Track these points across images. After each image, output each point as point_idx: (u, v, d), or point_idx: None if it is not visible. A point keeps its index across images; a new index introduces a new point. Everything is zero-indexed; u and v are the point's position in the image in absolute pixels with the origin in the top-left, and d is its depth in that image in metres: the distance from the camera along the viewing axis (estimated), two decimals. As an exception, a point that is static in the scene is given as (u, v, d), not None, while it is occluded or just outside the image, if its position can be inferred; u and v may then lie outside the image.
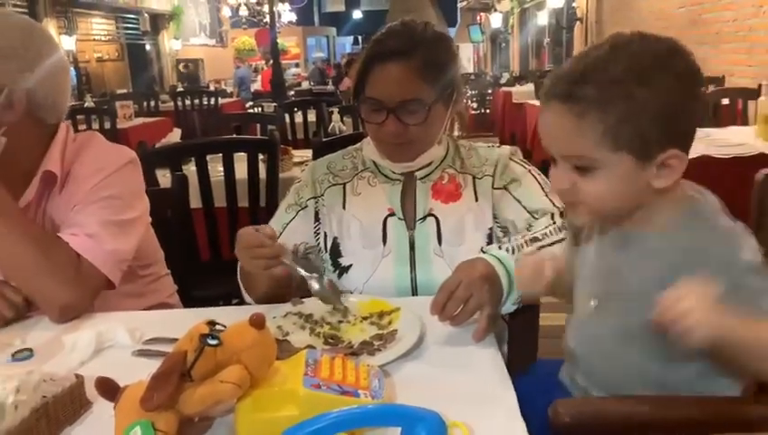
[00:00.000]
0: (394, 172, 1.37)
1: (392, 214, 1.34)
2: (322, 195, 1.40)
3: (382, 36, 1.30)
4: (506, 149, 1.42)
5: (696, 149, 2.55)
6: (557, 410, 0.78)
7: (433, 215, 1.33)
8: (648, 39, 0.87)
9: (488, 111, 9.38)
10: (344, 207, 1.38)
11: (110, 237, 1.25)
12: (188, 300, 1.77)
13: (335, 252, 1.35)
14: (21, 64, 1.25)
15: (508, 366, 1.23)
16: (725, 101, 4.00)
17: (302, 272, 1.16)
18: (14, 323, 1.21)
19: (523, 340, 1.31)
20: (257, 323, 0.80)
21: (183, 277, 1.76)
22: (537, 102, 5.38)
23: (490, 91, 9.88)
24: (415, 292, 1.30)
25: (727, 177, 2.16)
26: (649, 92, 0.82)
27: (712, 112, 3.60)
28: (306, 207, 1.40)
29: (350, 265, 1.33)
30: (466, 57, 26.63)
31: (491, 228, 1.33)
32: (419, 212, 1.34)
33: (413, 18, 1.33)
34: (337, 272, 1.35)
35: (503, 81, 8.88)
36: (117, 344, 1.09)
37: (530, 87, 7.07)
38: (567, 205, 0.95)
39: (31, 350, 1.08)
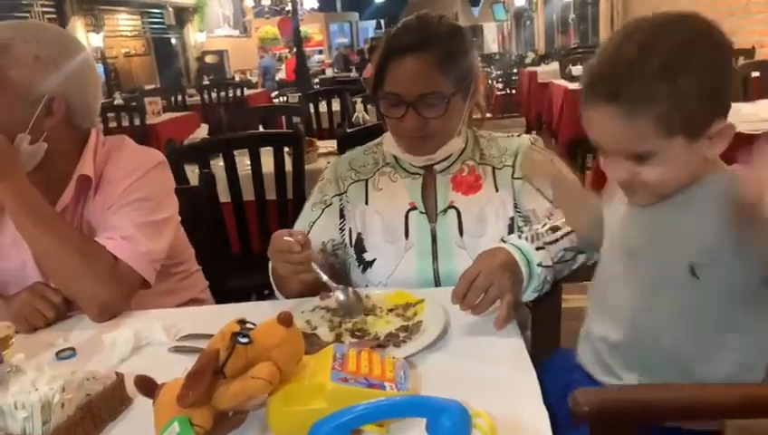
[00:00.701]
0: (414, 166, 1.39)
1: (414, 208, 1.36)
2: (345, 191, 1.43)
3: (398, 32, 1.31)
4: (526, 138, 1.42)
5: (725, 125, 2.52)
6: (577, 399, 0.80)
7: (454, 207, 1.35)
8: (676, 25, 0.89)
9: (514, 91, 9.29)
10: (366, 203, 1.40)
11: (145, 239, 1.30)
12: (220, 293, 1.81)
13: (359, 247, 1.38)
14: (60, 72, 1.31)
15: (532, 352, 1.26)
16: (756, 74, 3.91)
17: (330, 282, 1.18)
18: (55, 322, 1.26)
19: (546, 326, 1.32)
20: (285, 321, 0.83)
21: (214, 271, 1.81)
22: (563, 82, 5.35)
23: (515, 71, 9.78)
24: (438, 283, 1.32)
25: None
26: (689, 78, 0.85)
27: (741, 87, 3.53)
28: (331, 204, 1.42)
29: (374, 260, 1.36)
30: (491, 37, 26.31)
31: (512, 218, 1.34)
32: (440, 205, 1.36)
33: (429, 10, 1.34)
34: (361, 266, 1.37)
35: (527, 60, 8.77)
36: (154, 342, 1.14)
37: (555, 66, 6.97)
38: (626, 190, 0.97)
39: (73, 349, 1.13)
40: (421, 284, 1.31)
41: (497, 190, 1.36)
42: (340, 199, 1.42)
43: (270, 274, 1.34)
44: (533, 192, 1.33)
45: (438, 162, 1.37)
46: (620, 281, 1.02)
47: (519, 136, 1.44)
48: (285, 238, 1.15)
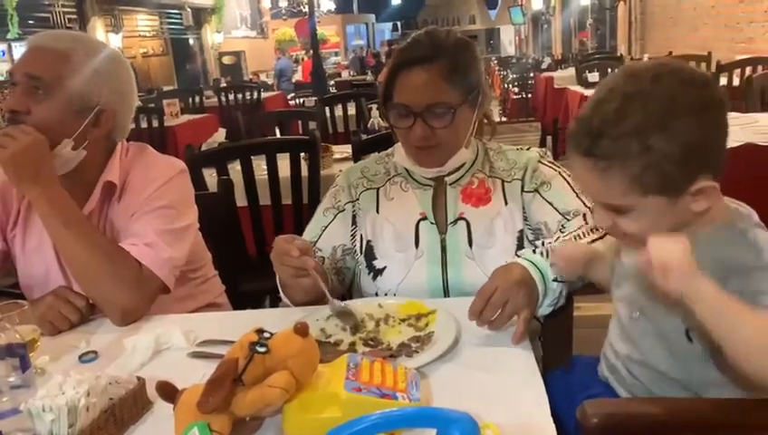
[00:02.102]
0: (425, 178, 1.41)
1: (424, 218, 1.39)
2: (358, 199, 1.46)
3: (407, 46, 1.35)
4: (535, 151, 1.44)
5: (739, 137, 2.51)
6: (585, 411, 0.82)
7: (464, 218, 1.37)
8: (660, 79, 0.87)
9: (530, 95, 9.28)
10: (378, 211, 1.43)
11: (166, 246, 1.34)
12: (237, 295, 1.85)
13: (369, 255, 1.41)
14: (112, 88, 1.39)
15: (544, 362, 1.28)
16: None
17: (325, 289, 1.21)
18: (78, 325, 1.30)
19: (558, 336, 1.34)
20: (302, 331, 0.86)
21: (231, 274, 1.85)
22: (579, 88, 5.34)
23: (532, 75, 9.76)
24: (447, 292, 1.35)
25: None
26: (666, 138, 0.84)
27: (759, 97, 3.51)
28: (344, 210, 1.45)
29: (385, 268, 1.38)
30: (507, 40, 26.20)
31: (521, 231, 1.36)
32: (450, 216, 1.38)
33: (438, 27, 1.37)
34: (372, 274, 1.40)
35: (544, 66, 8.75)
36: (173, 347, 1.17)
37: (571, 72, 6.95)
38: (614, 236, 0.99)
39: (96, 352, 1.17)
40: (430, 292, 1.34)
41: (506, 203, 1.38)
42: (353, 206, 1.45)
43: (277, 280, 1.37)
44: (544, 204, 1.35)
45: (448, 174, 1.40)
46: (625, 327, 1.05)
47: (528, 149, 1.46)
48: (285, 244, 1.19)
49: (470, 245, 1.36)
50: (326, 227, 1.45)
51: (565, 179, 1.38)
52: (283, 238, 1.21)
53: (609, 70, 6.34)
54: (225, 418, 0.83)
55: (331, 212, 1.46)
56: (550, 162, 1.42)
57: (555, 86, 6.53)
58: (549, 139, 6.96)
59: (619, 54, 9.28)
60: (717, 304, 0.80)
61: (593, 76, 5.38)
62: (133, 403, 0.94)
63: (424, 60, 1.29)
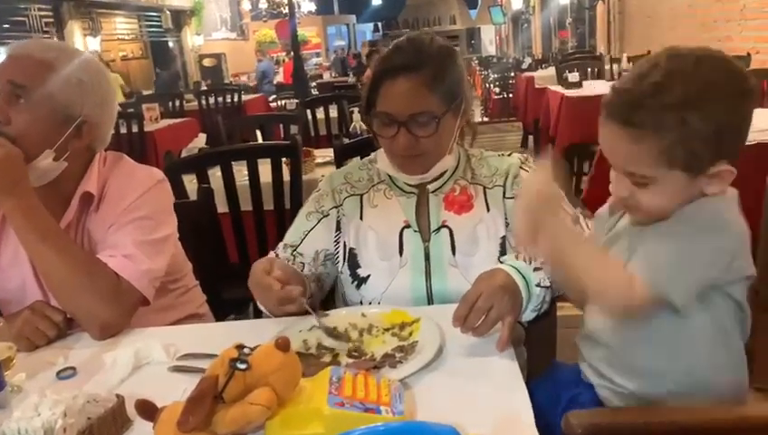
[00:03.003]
0: (408, 185, 1.41)
1: (408, 226, 1.38)
2: (342, 204, 1.44)
3: (389, 53, 1.34)
4: (516, 157, 1.45)
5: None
6: (569, 421, 0.81)
7: (446, 226, 1.37)
8: (702, 62, 0.91)
9: (511, 95, 9.31)
10: (361, 218, 1.42)
11: (145, 257, 1.32)
12: (219, 303, 1.83)
13: (353, 263, 1.40)
14: (95, 100, 1.37)
15: (528, 367, 1.28)
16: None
17: (311, 311, 1.19)
18: (56, 341, 1.27)
19: (541, 341, 1.34)
20: (283, 346, 0.85)
21: (213, 282, 1.83)
22: (559, 88, 5.37)
23: (512, 75, 9.80)
24: (430, 301, 1.34)
25: (745, 165, 2.12)
26: (701, 117, 0.88)
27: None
28: (328, 215, 1.44)
29: (368, 276, 1.37)
30: (488, 39, 26.32)
31: (503, 237, 1.36)
32: (433, 224, 1.38)
33: (421, 33, 1.36)
34: (355, 283, 1.39)
35: (524, 66, 8.79)
36: (153, 361, 1.15)
37: (552, 71, 6.99)
38: (626, 207, 1.01)
39: (74, 368, 1.15)
40: (414, 301, 1.33)
41: (488, 210, 1.38)
42: (338, 212, 1.44)
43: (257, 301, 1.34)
44: None
45: (431, 181, 1.39)
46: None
47: (510, 155, 1.46)
48: (265, 277, 1.15)
49: (453, 252, 1.35)
50: (309, 232, 1.43)
51: None
52: (261, 269, 1.18)
53: (589, 70, 6.42)
54: (206, 436, 0.81)
55: (314, 216, 1.45)
56: (531, 167, 1.42)
57: (536, 86, 6.57)
58: (530, 138, 7.01)
59: (598, 54, 9.36)
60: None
61: (573, 76, 5.41)
62: (112, 422, 0.92)
63: (407, 68, 1.29)
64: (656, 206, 0.95)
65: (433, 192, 1.40)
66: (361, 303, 1.37)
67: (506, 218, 1.37)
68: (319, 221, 1.44)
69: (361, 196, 1.44)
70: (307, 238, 1.42)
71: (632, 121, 0.91)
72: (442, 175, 1.40)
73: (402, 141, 1.30)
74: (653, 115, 0.89)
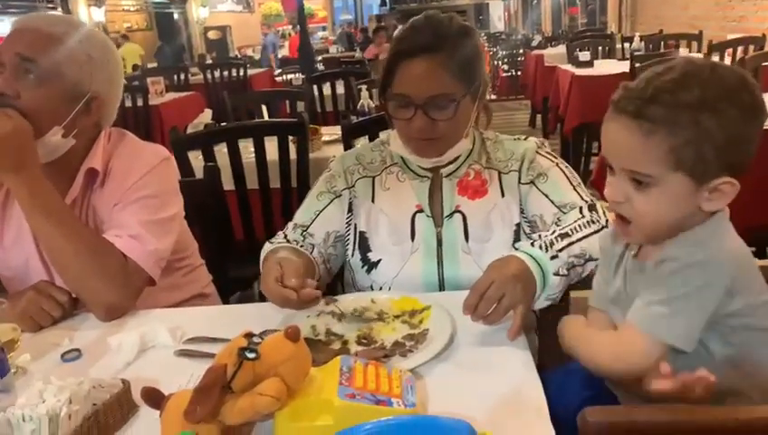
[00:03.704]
0: (422, 168, 1.38)
1: (420, 210, 1.35)
2: (353, 185, 1.41)
3: (407, 33, 1.30)
4: (533, 141, 1.41)
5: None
6: (586, 419, 0.79)
7: (460, 211, 1.34)
8: (718, 70, 0.89)
9: (519, 73, 9.21)
10: (373, 201, 1.39)
11: (152, 237, 1.30)
12: (225, 282, 1.82)
13: (363, 246, 1.37)
14: (104, 76, 1.35)
15: (539, 356, 1.26)
16: (766, 64, 3.86)
17: (331, 299, 1.18)
18: (60, 322, 1.26)
19: (554, 333, 1.32)
20: (293, 336, 0.82)
21: (219, 261, 1.81)
22: (570, 67, 5.28)
23: (521, 52, 9.68)
24: (442, 287, 1.32)
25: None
26: (716, 121, 0.85)
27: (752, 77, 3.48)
28: (340, 196, 1.41)
29: (380, 260, 1.35)
30: (497, 15, 26.01)
31: (518, 224, 1.33)
32: (446, 209, 1.35)
33: (439, 12, 1.32)
34: (366, 267, 1.36)
35: (534, 43, 8.67)
36: (159, 345, 1.13)
37: (562, 49, 6.88)
38: (620, 224, 0.96)
39: (79, 350, 1.13)
40: (426, 287, 1.31)
41: (503, 195, 1.35)
42: (350, 193, 1.41)
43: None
44: (540, 197, 1.32)
45: (445, 165, 1.36)
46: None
47: (526, 139, 1.42)
48: (281, 290, 1.10)
49: (466, 239, 1.32)
50: (320, 212, 1.40)
51: (562, 171, 1.34)
52: (273, 280, 1.12)
53: (600, 48, 6.33)
54: (214, 427, 0.79)
55: (326, 197, 1.41)
56: (547, 153, 1.39)
57: (546, 64, 6.46)
58: (539, 117, 6.94)
59: (609, 32, 9.22)
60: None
61: (584, 55, 5.32)
62: (118, 408, 0.91)
63: (425, 49, 1.25)
64: (651, 214, 0.90)
65: (447, 176, 1.36)
66: (372, 288, 1.35)
67: (521, 205, 1.34)
68: (330, 202, 1.41)
69: (373, 178, 1.41)
70: (318, 219, 1.39)
71: (645, 114, 0.87)
72: (456, 159, 1.37)
73: (418, 124, 1.26)
74: (668, 110, 0.86)
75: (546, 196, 1.31)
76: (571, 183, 1.32)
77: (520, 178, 1.35)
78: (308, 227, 1.39)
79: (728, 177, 0.88)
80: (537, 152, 1.37)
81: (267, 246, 1.35)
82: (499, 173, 1.36)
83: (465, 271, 1.29)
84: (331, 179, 1.43)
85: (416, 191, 1.37)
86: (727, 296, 0.88)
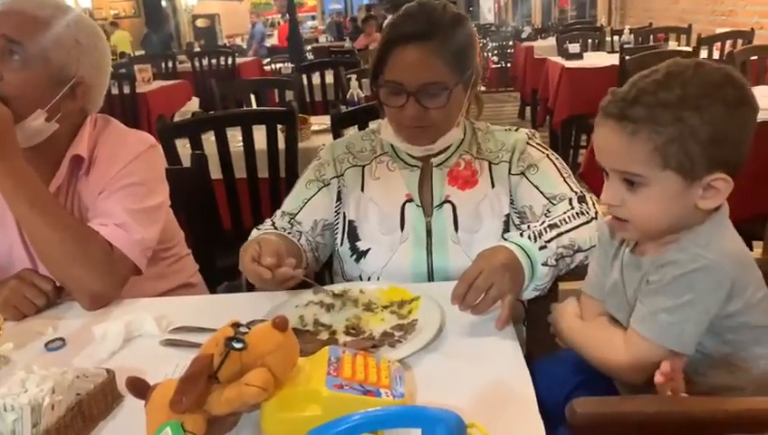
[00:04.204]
0: (412, 157, 1.37)
1: (410, 200, 1.35)
2: (343, 174, 1.41)
3: (399, 19, 1.29)
4: (524, 132, 1.40)
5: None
6: (574, 410, 0.79)
7: (450, 202, 1.33)
8: (703, 68, 0.89)
9: (509, 64, 9.20)
10: (362, 190, 1.38)
11: (138, 226, 1.28)
12: (212, 271, 1.80)
13: (352, 235, 1.36)
14: (91, 61, 1.33)
15: (527, 347, 1.26)
16: (754, 58, 3.88)
17: (311, 282, 1.18)
18: (44, 310, 1.24)
19: (542, 322, 1.32)
20: (280, 326, 0.81)
21: (206, 250, 1.80)
22: (559, 59, 5.28)
23: (511, 43, 9.66)
24: (431, 277, 1.32)
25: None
26: (698, 117, 0.86)
27: (740, 72, 3.50)
28: (329, 184, 1.40)
29: (368, 250, 1.34)
30: (487, 7, 25.96)
31: (507, 215, 1.33)
32: (436, 199, 1.34)
33: (432, 0, 1.30)
34: (355, 256, 1.36)
35: (524, 35, 8.66)
36: (145, 334, 1.12)
37: (551, 42, 6.88)
38: (615, 222, 0.97)
39: (63, 339, 1.12)
40: (415, 277, 1.30)
41: (493, 186, 1.34)
42: (339, 182, 1.40)
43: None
44: (530, 188, 1.32)
45: (436, 154, 1.35)
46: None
47: (517, 130, 1.41)
48: (255, 268, 1.11)
49: (456, 229, 1.32)
50: (308, 200, 1.39)
51: (553, 163, 1.34)
52: (248, 259, 1.13)
53: (590, 41, 6.33)
54: (200, 417, 0.78)
55: (314, 185, 1.41)
56: (538, 144, 1.38)
57: (535, 56, 6.46)
58: (528, 109, 6.94)
59: (599, 25, 9.23)
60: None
61: (574, 47, 5.32)
62: (102, 398, 0.90)
63: (418, 36, 1.24)
64: (647, 214, 0.91)
65: (437, 166, 1.36)
66: (361, 278, 1.34)
67: (511, 195, 1.34)
68: (319, 190, 1.40)
69: (363, 167, 1.40)
70: (306, 207, 1.39)
71: (628, 115, 0.88)
72: (447, 148, 1.36)
73: (411, 112, 1.25)
74: (649, 110, 0.87)
75: (536, 187, 1.31)
76: (562, 175, 1.32)
77: (510, 169, 1.34)
78: (296, 214, 1.38)
79: (721, 173, 0.88)
80: (528, 143, 1.37)
81: (254, 233, 1.34)
82: (489, 164, 1.36)
83: (455, 261, 1.28)
84: (321, 168, 1.42)
85: (406, 180, 1.36)
86: (728, 299, 0.88)
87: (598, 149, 0.94)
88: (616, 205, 0.93)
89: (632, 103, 0.88)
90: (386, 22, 1.34)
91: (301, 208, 1.38)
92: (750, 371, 0.94)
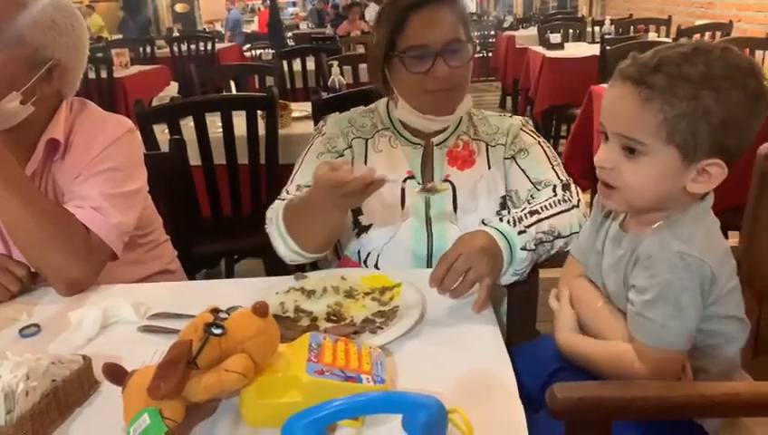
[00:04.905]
0: (415, 136, 1.38)
1: (411, 177, 1.35)
2: (351, 146, 1.40)
3: None
4: (518, 119, 1.43)
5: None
6: (554, 394, 0.79)
7: (449, 181, 1.34)
8: (730, 52, 0.88)
9: (490, 54, 9.20)
10: (366, 163, 1.38)
11: (115, 210, 1.26)
12: (191, 258, 1.78)
13: (355, 209, 1.35)
14: (68, 42, 1.29)
15: (508, 333, 1.26)
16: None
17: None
18: (18, 296, 1.22)
19: (522, 308, 1.33)
20: (261, 311, 0.81)
21: (185, 237, 1.78)
22: (541, 49, 5.30)
23: (493, 33, 9.66)
24: (430, 257, 1.31)
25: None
26: (714, 99, 0.84)
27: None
28: (343, 155, 1.39)
29: (370, 226, 1.33)
30: (469, -4, 25.89)
31: (503, 197, 1.35)
32: (437, 178, 1.35)
33: None
34: (356, 230, 1.35)
35: (506, 24, 8.66)
36: (122, 320, 1.11)
37: (533, 31, 6.90)
38: (603, 189, 0.95)
39: (38, 325, 1.10)
40: (414, 256, 1.31)
41: (489, 167, 1.36)
42: (350, 152, 1.39)
43: (280, 228, 1.24)
44: (518, 172, 1.33)
45: (435, 134, 1.37)
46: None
47: (511, 116, 1.44)
48: (332, 175, 1.04)
49: (455, 209, 1.33)
50: None
51: (543, 149, 1.37)
52: (325, 172, 1.05)
53: (571, 31, 6.35)
54: (178, 404, 0.77)
55: (328, 156, 1.37)
56: (531, 130, 1.42)
57: (517, 46, 6.47)
58: (509, 99, 6.95)
59: (580, 15, 9.26)
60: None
61: (555, 37, 5.33)
62: (78, 385, 0.88)
63: None
64: (637, 184, 0.90)
65: (437, 145, 1.37)
66: (359, 254, 1.33)
67: (506, 179, 1.35)
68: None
69: (367, 140, 1.40)
70: None
71: (646, 81, 0.86)
72: (446, 129, 1.37)
73: (440, 71, 1.27)
74: (669, 80, 0.85)
75: (524, 171, 1.33)
76: (551, 162, 1.34)
77: (505, 153, 1.37)
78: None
79: (718, 159, 0.87)
80: (521, 129, 1.40)
81: (278, 204, 1.29)
82: (486, 145, 1.38)
83: (453, 241, 1.28)
84: (330, 141, 1.40)
85: (408, 158, 1.37)
86: (709, 292, 0.89)
87: (605, 109, 0.92)
88: (608, 168, 0.92)
89: (654, 70, 0.86)
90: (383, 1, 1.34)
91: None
92: (715, 357, 0.95)
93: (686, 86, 0.85)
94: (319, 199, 1.13)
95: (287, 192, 1.35)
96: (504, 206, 1.34)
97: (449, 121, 1.35)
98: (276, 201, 1.32)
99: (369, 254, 1.33)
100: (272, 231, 1.26)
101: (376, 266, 1.32)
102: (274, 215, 1.26)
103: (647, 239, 0.91)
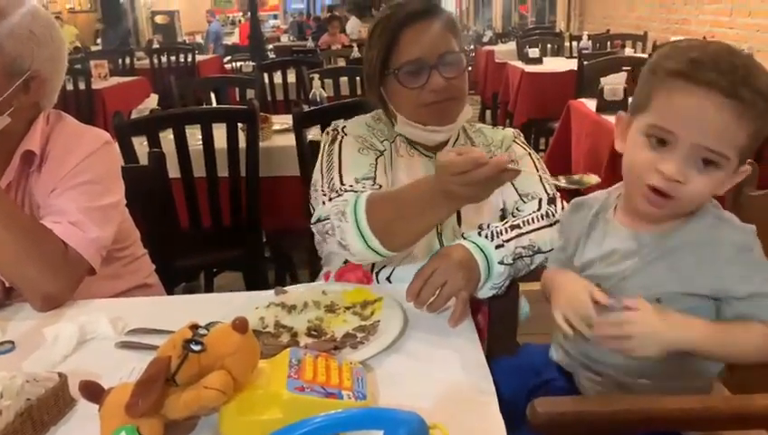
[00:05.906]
0: (426, 148, 1.38)
1: None
2: (383, 147, 1.38)
3: (399, 5, 1.32)
4: (510, 131, 1.46)
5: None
6: (535, 409, 0.80)
7: None
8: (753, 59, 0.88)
9: (470, 68, 9.28)
10: (391, 166, 1.38)
11: (92, 224, 1.25)
12: (169, 272, 1.76)
13: None
14: (46, 54, 1.28)
15: (489, 347, 1.26)
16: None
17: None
18: (-7, 312, 1.19)
19: (502, 323, 1.33)
20: (240, 327, 0.80)
21: (164, 250, 1.76)
22: (519, 63, 5.36)
23: (472, 47, 9.76)
24: None
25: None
26: None
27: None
28: (384, 151, 1.36)
29: None
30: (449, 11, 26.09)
31: (502, 210, 1.37)
32: None
33: None
34: None
35: (485, 39, 8.75)
36: (99, 336, 1.09)
37: (512, 46, 6.98)
38: (656, 198, 0.89)
39: (12, 342, 1.08)
40: None
41: None
42: (389, 152, 1.38)
43: (365, 226, 1.14)
44: (507, 184, 1.34)
45: (439, 147, 1.36)
46: None
47: (503, 128, 1.47)
48: (462, 158, 0.98)
49: (459, 223, 1.34)
50: (375, 165, 1.31)
51: (533, 161, 1.39)
52: (452, 156, 0.99)
53: (549, 46, 6.43)
54: (156, 422, 0.76)
55: (369, 152, 1.33)
56: (522, 142, 1.44)
57: (496, 60, 6.54)
58: (488, 112, 7.01)
59: (558, 30, 9.39)
60: (711, 341, 0.87)
61: (534, 52, 5.41)
62: (54, 403, 0.86)
63: (423, 13, 1.29)
64: (701, 195, 0.88)
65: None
66: (372, 265, 1.32)
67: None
68: (377, 158, 1.34)
69: (391, 143, 1.40)
70: (378, 170, 1.31)
71: (738, 94, 0.82)
72: (445, 143, 1.38)
73: (436, 83, 1.27)
74: (753, 95, 0.82)
75: (512, 183, 1.34)
76: (539, 174, 1.35)
77: None
78: (374, 177, 1.28)
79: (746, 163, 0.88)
80: (514, 141, 1.43)
81: (345, 199, 1.19)
82: None
83: None
84: (363, 139, 1.35)
85: (425, 166, 1.37)
86: None
87: (685, 119, 0.85)
88: (678, 181, 0.86)
89: (741, 83, 0.82)
90: (381, 8, 1.36)
91: (375, 169, 1.30)
92: (694, 371, 0.96)
93: (763, 100, 0.83)
94: (430, 191, 1.05)
95: (339, 191, 1.24)
96: (502, 218, 1.34)
97: (452, 131, 1.36)
98: (337, 198, 1.22)
99: (384, 266, 1.31)
100: (344, 226, 1.16)
101: (388, 280, 1.31)
102: (349, 209, 1.15)
103: (687, 244, 0.91)
